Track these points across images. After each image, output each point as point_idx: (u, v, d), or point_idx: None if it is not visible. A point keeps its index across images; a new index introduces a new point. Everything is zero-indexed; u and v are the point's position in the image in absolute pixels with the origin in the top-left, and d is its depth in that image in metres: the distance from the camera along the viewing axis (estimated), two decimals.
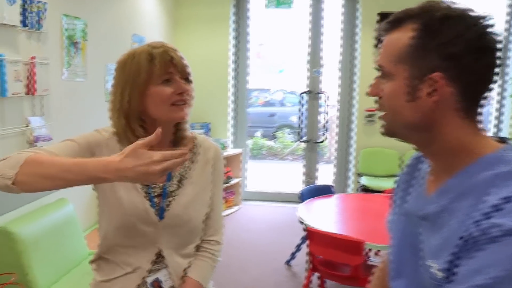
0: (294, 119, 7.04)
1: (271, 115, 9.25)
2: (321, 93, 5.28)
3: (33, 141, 2.44)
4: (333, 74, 5.37)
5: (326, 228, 2.75)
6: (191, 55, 5.30)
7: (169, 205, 1.29)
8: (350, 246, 2.51)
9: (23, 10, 2.34)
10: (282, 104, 9.37)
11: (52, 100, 2.67)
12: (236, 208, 5.26)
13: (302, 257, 3.58)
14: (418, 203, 0.90)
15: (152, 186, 1.29)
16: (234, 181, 5.20)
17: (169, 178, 1.31)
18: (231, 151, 5.24)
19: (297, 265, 3.72)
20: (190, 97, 1.29)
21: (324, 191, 3.70)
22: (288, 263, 3.77)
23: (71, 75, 2.90)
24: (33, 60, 2.41)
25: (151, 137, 1.00)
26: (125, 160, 0.97)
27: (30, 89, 2.41)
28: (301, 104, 5.34)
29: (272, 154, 8.67)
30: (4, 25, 2.22)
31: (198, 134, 1.44)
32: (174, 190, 1.31)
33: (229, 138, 5.43)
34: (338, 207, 3.58)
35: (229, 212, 5.10)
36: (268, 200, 5.67)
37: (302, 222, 3.00)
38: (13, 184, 1.00)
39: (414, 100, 0.80)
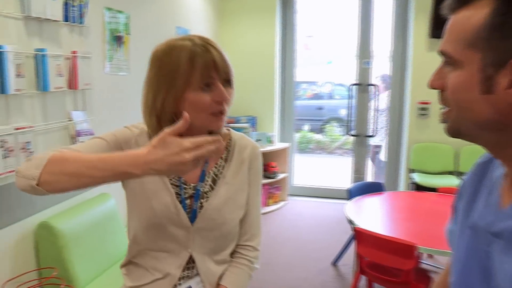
0: (343, 112, 6.81)
1: (320, 108, 9.03)
2: (371, 85, 5.03)
3: (75, 136, 2.43)
4: (384, 65, 5.10)
5: (375, 228, 2.58)
6: (237, 47, 5.23)
7: (201, 207, 1.20)
8: (401, 249, 2.33)
9: (65, 4, 2.32)
10: (331, 96, 9.12)
11: (94, 94, 2.66)
12: (282, 203, 5.15)
13: (350, 257, 3.42)
14: (489, 215, 0.73)
15: (184, 186, 1.20)
16: (281, 176, 5.08)
17: (202, 178, 1.22)
18: (277, 145, 5.12)
19: (345, 265, 3.55)
20: (229, 104, 1.17)
21: (374, 188, 3.51)
22: (335, 262, 3.61)
23: (114, 69, 2.88)
24: (75, 55, 2.40)
25: (180, 123, 0.91)
26: (153, 152, 0.89)
27: (72, 84, 2.40)
28: (350, 97, 5.12)
29: (320, 148, 8.47)
30: (47, 20, 2.21)
31: (235, 131, 1.33)
32: (208, 191, 1.22)
33: (275, 132, 5.31)
34: (389, 206, 3.37)
35: (275, 207, 5.00)
36: (315, 196, 5.51)
37: (350, 222, 2.84)
38: (37, 184, 0.94)
39: (490, 92, 0.65)
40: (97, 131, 2.58)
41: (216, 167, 1.24)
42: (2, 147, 1.93)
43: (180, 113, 1.12)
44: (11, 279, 2.06)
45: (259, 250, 1.32)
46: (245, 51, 5.23)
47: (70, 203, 2.40)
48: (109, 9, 2.79)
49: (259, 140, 4.94)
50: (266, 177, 4.98)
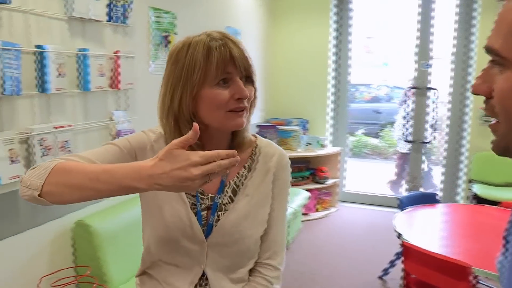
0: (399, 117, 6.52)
1: (377, 112, 8.70)
2: (430, 88, 4.73)
3: (115, 135, 2.44)
4: (444, 68, 4.78)
5: (426, 244, 2.38)
6: (289, 48, 5.12)
7: (218, 221, 1.11)
8: (454, 270, 2.12)
9: (109, 5, 2.33)
10: (389, 100, 8.76)
11: (137, 94, 2.66)
12: (331, 210, 4.98)
13: (400, 271, 3.20)
14: None
15: (201, 197, 1.11)
16: (331, 181, 4.91)
17: (221, 189, 1.13)
18: (328, 149, 4.96)
19: (393, 279, 3.34)
20: (251, 102, 1.09)
21: (428, 199, 3.28)
22: (383, 276, 3.41)
23: (159, 69, 2.87)
24: (118, 54, 2.40)
25: (189, 134, 0.83)
26: (159, 165, 0.81)
27: (114, 83, 2.41)
28: (406, 101, 4.85)
29: (376, 153, 8.15)
30: (90, 20, 2.22)
31: (262, 138, 1.22)
32: (226, 203, 1.12)
33: (327, 136, 5.14)
34: (444, 219, 3.13)
35: (323, 214, 4.84)
36: (367, 203, 5.29)
37: (399, 235, 2.65)
38: (40, 195, 0.89)
39: None
40: (139, 130, 2.57)
41: (237, 177, 1.15)
42: (41, 145, 1.95)
43: (198, 115, 1.05)
44: (48, 275, 2.09)
45: (281, 270, 1.20)
46: (297, 52, 5.11)
47: (107, 203, 2.41)
48: (154, 9, 2.79)
49: (310, 143, 4.80)
50: (316, 182, 4.84)
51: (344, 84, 5.26)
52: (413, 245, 2.34)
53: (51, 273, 2.10)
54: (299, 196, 4.17)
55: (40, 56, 1.94)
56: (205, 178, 0.82)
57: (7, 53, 1.76)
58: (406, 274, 2.46)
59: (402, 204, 3.16)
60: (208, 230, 1.11)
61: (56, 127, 2.04)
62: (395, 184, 5.91)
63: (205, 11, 3.52)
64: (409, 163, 5.04)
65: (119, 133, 2.44)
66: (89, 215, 2.26)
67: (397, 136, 5.89)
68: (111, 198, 2.42)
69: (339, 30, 5.14)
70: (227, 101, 1.01)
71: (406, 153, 5.36)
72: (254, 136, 1.22)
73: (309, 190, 4.60)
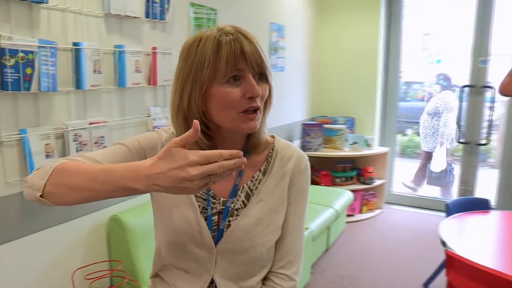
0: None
1: None
2: (488, 87, 4.43)
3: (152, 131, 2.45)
4: (504, 65, 4.45)
5: (474, 255, 2.21)
6: (336, 44, 4.99)
7: (229, 226, 1.05)
8: (505, 287, 1.95)
9: (147, 1, 2.33)
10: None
11: None
12: (377, 212, 4.80)
13: (445, 281, 3.03)
14: None
15: (213, 201, 1.06)
16: (377, 182, 4.73)
17: (233, 193, 1.07)
18: (376, 149, 4.78)
19: None
20: (265, 101, 1.02)
21: (479, 205, 3.06)
22: (427, 285, 3.23)
23: None
24: (155, 51, 2.40)
25: (189, 132, 0.77)
26: (157, 164, 0.76)
27: (151, 80, 2.42)
28: (461, 100, 4.58)
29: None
30: (127, 17, 2.24)
31: (280, 139, 1.15)
32: (239, 208, 1.06)
33: (375, 135, 4.96)
34: (497, 228, 2.91)
35: (368, 215, 4.68)
36: (415, 206, 5.06)
37: (443, 243, 2.49)
38: (42, 196, 0.87)
39: None
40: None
41: (251, 181, 1.08)
42: (75, 140, 1.99)
43: (209, 112, 0.99)
44: (82, 268, 2.13)
45: (296, 280, 1.12)
46: (345, 48, 4.96)
47: (142, 199, 2.43)
48: (194, 4, 2.77)
49: (356, 143, 4.65)
50: (361, 182, 4.69)
51: (394, 82, 5.05)
52: (458, 255, 2.18)
53: (85, 266, 2.14)
54: (342, 197, 4.05)
55: (76, 53, 1.98)
56: (206, 180, 0.76)
57: (43, 51, 1.80)
58: (450, 285, 2.30)
59: (450, 209, 2.97)
60: (218, 236, 1.05)
61: (91, 123, 2.07)
62: (416, 182, 5.68)
63: (247, 6, 3.47)
64: (461, 165, 4.76)
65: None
66: (123, 211, 2.28)
67: (422, 134, 5.68)
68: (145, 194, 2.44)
69: (389, 26, 4.94)
70: (238, 100, 0.95)
71: (430, 152, 5.28)
72: (272, 137, 1.15)
73: (354, 191, 4.46)
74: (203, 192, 1.07)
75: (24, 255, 1.90)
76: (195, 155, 0.75)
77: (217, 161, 0.75)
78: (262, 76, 0.99)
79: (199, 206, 1.06)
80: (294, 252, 1.11)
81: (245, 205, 1.06)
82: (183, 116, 1.00)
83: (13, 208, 1.83)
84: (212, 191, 1.07)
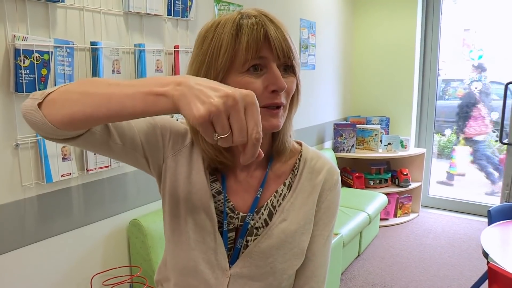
0: (494, 116, 5.83)
1: None
2: None
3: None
4: None
5: None
6: (370, 41, 4.80)
7: (246, 247, 0.91)
8: None
9: None
10: (487, 96, 7.94)
11: None
12: (412, 216, 4.59)
13: None
14: None
15: (230, 215, 0.92)
16: (413, 185, 4.52)
17: (254, 207, 0.92)
18: (411, 150, 4.57)
19: None
20: (290, 96, 0.87)
21: None
22: None
23: None
24: (178, 49, 2.33)
25: None
26: (192, 77, 0.63)
27: None
28: (505, 98, 4.29)
29: None
30: (148, 15, 2.17)
31: (308, 147, 1.00)
32: (260, 227, 0.92)
33: (411, 136, 4.75)
34: None
35: (403, 220, 4.48)
36: (454, 210, 4.81)
37: (485, 254, 2.31)
38: (40, 104, 0.71)
39: None
40: None
41: (274, 196, 0.93)
42: None
43: None
44: (101, 272, 2.08)
45: None
46: (379, 45, 4.77)
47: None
48: (219, 1, 2.68)
49: (390, 143, 4.45)
50: (396, 185, 4.49)
51: (432, 80, 4.82)
52: (502, 269, 2.00)
53: (104, 271, 2.09)
54: (376, 200, 3.88)
55: (93, 52, 1.92)
56: (220, 120, 0.59)
57: (59, 51, 1.75)
58: None
59: (492, 217, 2.76)
60: (233, 256, 0.91)
61: None
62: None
63: (275, 2, 3.35)
64: (505, 168, 4.47)
65: None
66: (143, 215, 2.22)
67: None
68: None
69: (426, 21, 4.70)
70: (259, 94, 0.79)
71: None
72: (299, 144, 1.00)
73: (388, 194, 4.28)
74: (220, 202, 0.92)
75: (42, 259, 1.86)
76: (235, 92, 0.61)
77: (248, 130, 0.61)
78: (288, 68, 0.85)
79: (216, 219, 0.92)
80: (317, 279, 0.97)
81: (267, 224, 0.92)
82: None
83: (30, 211, 1.79)
84: (231, 203, 0.93)
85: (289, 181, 0.95)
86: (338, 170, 0.99)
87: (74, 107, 0.69)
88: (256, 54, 0.79)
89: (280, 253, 0.90)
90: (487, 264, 2.14)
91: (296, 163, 0.96)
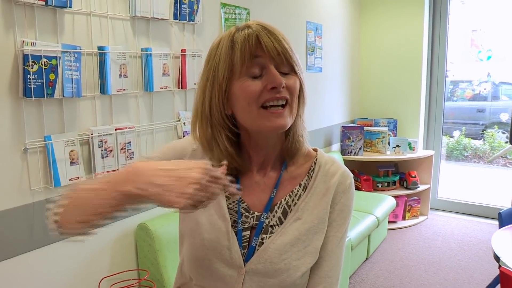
0: (504, 117, 5.77)
1: (480, 111, 7.87)
2: None
3: (182, 136, 2.38)
4: None
5: None
6: (377, 42, 4.79)
7: (261, 244, 0.94)
8: None
9: (175, 2, 2.26)
10: (496, 97, 7.88)
11: None
12: (421, 218, 4.56)
13: None
14: None
15: (246, 214, 0.95)
16: (422, 187, 4.49)
17: (268, 207, 0.96)
18: (420, 152, 4.54)
19: None
20: (294, 94, 0.90)
21: None
22: None
23: None
24: (184, 53, 2.33)
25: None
26: (155, 163, 0.75)
27: (180, 83, 2.35)
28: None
29: (478, 157, 7.37)
30: (155, 19, 2.17)
31: (324, 153, 1.04)
32: (274, 225, 0.95)
33: (419, 138, 4.72)
34: None
35: (412, 222, 4.45)
36: (464, 213, 4.76)
37: (497, 258, 2.28)
38: (57, 222, 0.82)
39: None
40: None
41: (290, 196, 0.97)
42: (101, 147, 1.94)
43: (235, 114, 0.91)
44: (109, 276, 2.08)
45: None
46: (386, 46, 4.75)
47: None
48: (225, 4, 2.68)
49: (398, 146, 4.43)
50: (404, 187, 4.46)
51: (440, 81, 4.78)
52: None
53: (112, 275, 2.09)
54: (384, 203, 3.85)
55: (101, 57, 1.93)
56: (194, 202, 0.69)
57: (67, 56, 1.76)
58: None
59: (503, 219, 2.73)
60: (248, 254, 0.94)
61: (117, 129, 2.01)
62: None
63: (281, 5, 3.34)
64: None
65: (186, 134, 2.38)
66: (151, 219, 2.22)
67: None
68: None
69: (434, 22, 4.67)
70: (258, 92, 0.86)
71: None
72: (315, 150, 1.04)
73: (397, 197, 4.25)
74: (234, 203, 0.97)
75: (50, 263, 1.87)
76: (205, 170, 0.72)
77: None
78: (288, 68, 0.90)
79: (231, 218, 0.96)
80: (330, 280, 0.98)
81: (281, 222, 0.95)
82: (207, 123, 0.93)
83: (39, 215, 1.80)
84: (246, 203, 0.97)
85: (305, 183, 0.99)
86: (352, 175, 1.02)
87: (75, 218, 0.80)
88: (250, 55, 0.85)
89: (294, 250, 0.93)
90: (499, 267, 2.12)
91: (311, 166, 1.00)
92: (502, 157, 7.16)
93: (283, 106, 0.88)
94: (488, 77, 5.27)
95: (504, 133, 7.32)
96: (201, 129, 0.94)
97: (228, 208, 0.96)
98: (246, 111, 0.88)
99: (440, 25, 4.66)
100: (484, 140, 7.49)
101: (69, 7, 1.77)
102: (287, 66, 0.89)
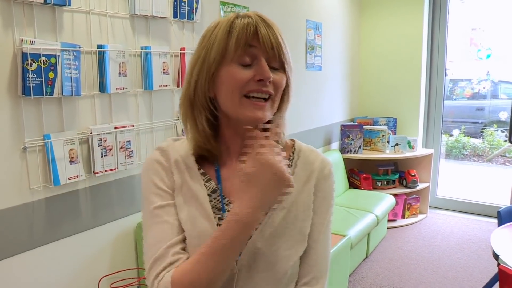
0: (503, 115, 5.77)
1: (479, 109, 7.87)
2: None
3: (182, 135, 2.37)
4: None
5: None
6: (377, 41, 4.78)
7: (249, 238, 0.92)
8: None
9: (175, 1, 2.26)
10: (496, 96, 7.89)
11: None
12: (420, 217, 4.56)
13: None
14: None
15: (228, 209, 0.93)
16: (421, 186, 4.49)
17: None
18: (419, 151, 4.54)
19: None
20: (278, 90, 0.91)
21: None
22: None
23: None
24: (184, 52, 2.33)
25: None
26: (244, 197, 0.81)
27: (180, 82, 2.34)
28: None
29: (477, 155, 7.38)
30: (154, 17, 2.17)
31: (301, 143, 1.04)
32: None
33: (418, 136, 4.72)
34: None
35: (411, 221, 4.45)
36: (463, 211, 4.77)
37: (495, 256, 2.28)
38: None
39: None
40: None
41: None
42: (100, 145, 1.94)
43: (215, 98, 0.91)
44: (108, 275, 2.08)
45: None
46: (386, 45, 4.74)
47: None
48: (225, 3, 2.68)
49: (398, 144, 4.43)
50: (404, 186, 4.46)
51: (439, 80, 4.78)
52: None
53: (112, 274, 2.09)
54: (383, 202, 3.85)
55: (100, 55, 1.93)
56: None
57: (66, 54, 1.76)
58: None
59: (502, 218, 2.73)
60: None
61: (117, 127, 2.01)
62: None
63: (281, 3, 3.34)
64: None
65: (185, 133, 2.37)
66: None
67: None
68: None
69: (434, 21, 4.67)
70: (245, 81, 0.86)
71: None
72: (292, 140, 1.04)
73: (396, 195, 4.25)
74: (217, 200, 0.95)
75: (50, 261, 1.86)
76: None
77: None
78: (278, 65, 0.90)
79: (216, 217, 0.93)
80: (319, 268, 0.98)
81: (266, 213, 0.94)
82: (189, 102, 0.92)
83: (38, 214, 1.80)
84: (226, 198, 0.95)
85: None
86: (331, 162, 1.03)
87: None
88: (245, 44, 0.86)
89: (283, 240, 0.93)
90: (498, 266, 2.12)
91: (290, 156, 1.00)
92: (501, 155, 7.17)
93: (265, 99, 0.89)
94: (488, 76, 5.26)
95: (503, 131, 7.33)
96: (183, 107, 0.94)
97: (212, 207, 0.94)
98: (229, 97, 0.88)
99: (439, 23, 4.66)
100: (483, 138, 7.50)
101: (68, 5, 1.77)
102: (278, 61, 0.89)
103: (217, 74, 0.88)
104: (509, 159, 6.96)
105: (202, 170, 0.96)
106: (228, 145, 0.96)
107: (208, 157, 0.96)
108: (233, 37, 0.86)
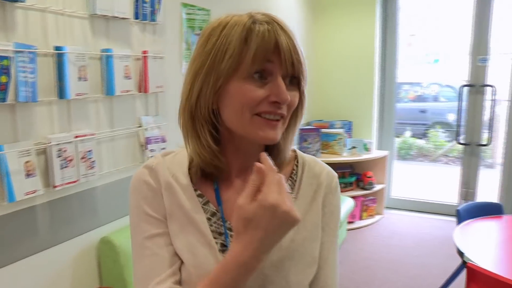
0: (450, 117, 6.04)
1: (422, 111, 8.23)
2: (487, 86, 4.31)
3: (145, 143, 2.24)
4: (504, 64, 4.33)
5: (495, 266, 2.05)
6: (331, 46, 4.84)
7: None
8: None
9: (136, 1, 2.13)
10: (436, 99, 8.30)
11: (168, 98, 2.45)
12: (377, 218, 4.65)
13: None
14: None
15: (231, 233, 0.83)
16: (377, 187, 4.58)
17: None
18: (374, 153, 4.63)
19: None
20: (291, 110, 0.82)
21: (490, 210, 2.91)
22: None
23: None
24: (146, 55, 2.20)
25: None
26: (243, 236, 0.72)
27: (142, 86, 2.22)
28: (460, 99, 4.45)
29: (423, 155, 7.70)
30: (115, 18, 2.03)
31: (303, 153, 0.96)
32: None
33: (373, 139, 4.81)
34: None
35: (369, 222, 4.52)
36: (416, 210, 4.91)
37: (460, 253, 2.33)
38: None
39: None
40: (171, 138, 2.37)
41: None
42: (60, 156, 1.77)
43: (220, 112, 0.80)
44: None
45: None
46: (340, 50, 4.81)
47: None
48: (186, 5, 2.57)
49: (355, 147, 4.49)
50: (361, 188, 4.53)
51: (391, 83, 4.91)
52: (481, 268, 2.02)
53: None
54: (343, 204, 3.87)
55: (58, 58, 1.77)
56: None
57: (21, 56, 1.59)
58: None
59: (460, 216, 2.81)
60: None
61: (77, 136, 1.85)
62: None
63: (240, 7, 3.26)
64: (462, 167, 4.63)
65: (148, 141, 2.24)
66: (114, 231, 2.07)
67: None
68: None
69: (385, 27, 4.80)
70: (258, 100, 0.76)
71: None
72: (293, 151, 0.95)
73: (354, 197, 4.30)
74: (217, 224, 0.85)
75: (5, 287, 1.67)
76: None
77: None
78: (293, 79, 0.81)
79: (217, 243, 0.83)
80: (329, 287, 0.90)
81: None
82: (189, 114, 0.82)
83: None
84: (228, 222, 0.85)
85: (289, 188, 0.89)
86: (336, 174, 0.96)
87: None
88: (264, 60, 0.75)
89: (293, 264, 0.84)
90: (463, 263, 2.16)
91: (294, 170, 0.92)
92: (445, 155, 7.52)
93: (278, 119, 0.80)
94: (434, 80, 5.49)
95: (444, 132, 7.72)
96: (183, 118, 0.84)
97: (212, 232, 0.84)
98: (238, 114, 0.78)
99: (390, 29, 4.78)
100: (427, 139, 7.84)
101: (20, 2, 1.61)
102: (295, 78, 0.81)
103: (225, 86, 0.77)
104: (452, 159, 7.31)
105: (198, 192, 0.86)
106: (229, 160, 0.86)
107: (207, 174, 0.86)
108: (251, 49, 0.75)
